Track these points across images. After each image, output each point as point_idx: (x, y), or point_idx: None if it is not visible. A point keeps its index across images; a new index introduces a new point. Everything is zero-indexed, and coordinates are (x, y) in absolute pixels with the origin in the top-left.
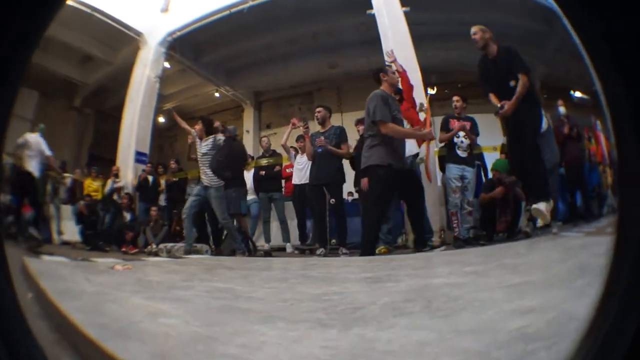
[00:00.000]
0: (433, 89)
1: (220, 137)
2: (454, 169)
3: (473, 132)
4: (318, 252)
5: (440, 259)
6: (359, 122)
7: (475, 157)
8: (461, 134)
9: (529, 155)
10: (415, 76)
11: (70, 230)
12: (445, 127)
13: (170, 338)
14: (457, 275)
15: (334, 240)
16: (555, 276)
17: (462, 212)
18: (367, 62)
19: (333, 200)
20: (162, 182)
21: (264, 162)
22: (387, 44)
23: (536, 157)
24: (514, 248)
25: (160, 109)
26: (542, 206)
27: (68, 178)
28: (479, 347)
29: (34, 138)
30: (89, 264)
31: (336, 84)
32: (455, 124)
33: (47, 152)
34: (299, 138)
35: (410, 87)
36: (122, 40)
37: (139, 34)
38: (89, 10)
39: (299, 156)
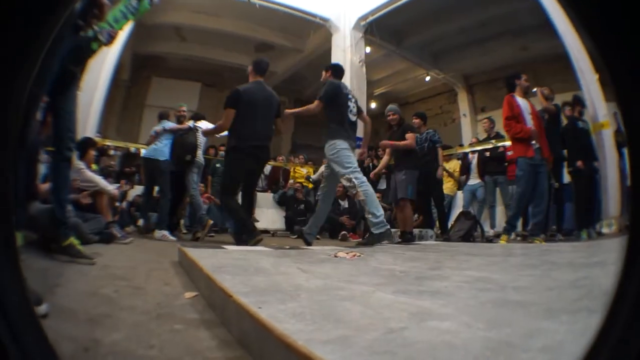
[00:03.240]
0: None
1: None
2: None
3: None
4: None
5: None
6: None
7: None
8: None
9: None
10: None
11: (269, 219)
12: None
13: (458, 351)
14: None
15: (554, 227)
16: None
17: None
18: (550, 45)
19: (557, 183)
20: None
21: (488, 144)
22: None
23: None
24: None
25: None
26: None
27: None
28: None
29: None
30: (299, 252)
31: (532, 66)
32: None
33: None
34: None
35: None
36: (306, 28)
37: (325, 19)
38: (264, 3)
39: None
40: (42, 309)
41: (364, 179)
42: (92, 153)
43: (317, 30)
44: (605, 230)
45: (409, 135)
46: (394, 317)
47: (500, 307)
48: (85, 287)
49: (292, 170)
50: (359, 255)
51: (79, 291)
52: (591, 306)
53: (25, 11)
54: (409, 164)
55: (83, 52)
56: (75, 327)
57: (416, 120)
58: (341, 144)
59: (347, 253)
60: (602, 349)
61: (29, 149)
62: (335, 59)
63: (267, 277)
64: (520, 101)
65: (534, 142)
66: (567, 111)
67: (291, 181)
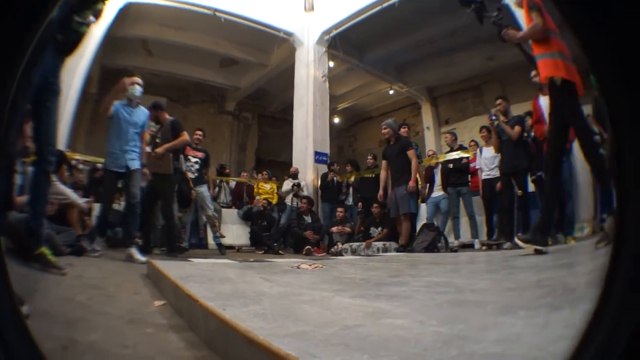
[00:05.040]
0: None
1: None
2: None
3: None
4: (505, 246)
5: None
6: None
7: None
8: None
9: None
10: None
11: (234, 234)
12: None
13: (409, 343)
14: None
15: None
16: None
17: None
18: (516, 53)
19: (520, 191)
20: (349, 181)
21: (451, 155)
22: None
23: None
24: None
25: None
26: None
27: (230, 182)
28: None
29: None
30: (264, 264)
31: (499, 76)
32: None
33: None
34: (482, 128)
35: None
36: (270, 42)
37: (289, 34)
38: (229, 17)
39: (484, 149)
40: (23, 309)
41: None
42: (65, 167)
43: (281, 44)
44: (577, 234)
45: (411, 153)
46: (350, 317)
47: (455, 307)
48: (60, 293)
49: (255, 186)
50: (322, 267)
51: (55, 297)
52: (554, 303)
53: (9, 18)
54: (409, 179)
55: (72, 41)
56: (54, 329)
57: (404, 129)
58: None
59: (309, 265)
60: (589, 346)
61: (7, 159)
62: (299, 74)
63: (232, 285)
64: (542, 101)
65: None
66: (530, 121)
67: (257, 197)
